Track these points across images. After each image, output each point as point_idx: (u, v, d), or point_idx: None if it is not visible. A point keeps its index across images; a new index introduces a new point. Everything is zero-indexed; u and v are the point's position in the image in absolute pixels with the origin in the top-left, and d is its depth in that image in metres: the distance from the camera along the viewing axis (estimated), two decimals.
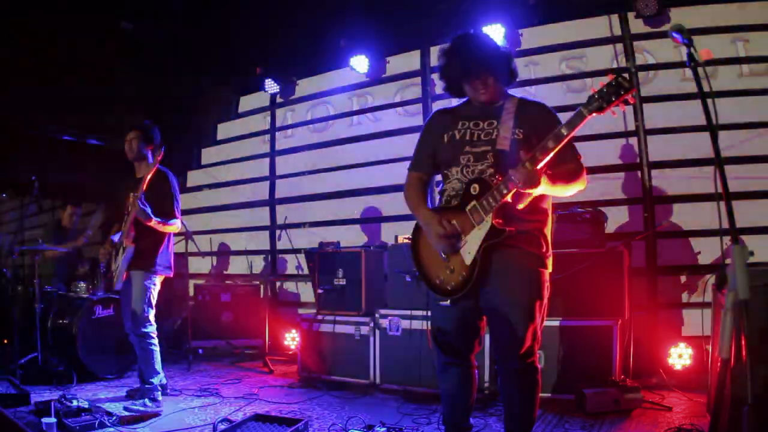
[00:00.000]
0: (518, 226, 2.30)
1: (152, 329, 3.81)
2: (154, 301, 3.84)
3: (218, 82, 7.26)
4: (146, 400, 3.65)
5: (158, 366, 3.81)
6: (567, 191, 2.38)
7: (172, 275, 3.96)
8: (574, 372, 3.62)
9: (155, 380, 3.76)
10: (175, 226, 3.84)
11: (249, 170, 6.91)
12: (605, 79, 2.05)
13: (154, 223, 3.66)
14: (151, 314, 3.82)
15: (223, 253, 7.01)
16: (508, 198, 2.23)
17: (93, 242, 6.22)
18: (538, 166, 2.15)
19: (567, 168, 2.34)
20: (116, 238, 3.81)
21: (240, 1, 5.69)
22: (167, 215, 3.78)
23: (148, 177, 3.62)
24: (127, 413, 3.50)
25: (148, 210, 3.61)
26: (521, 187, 2.16)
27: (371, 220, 5.82)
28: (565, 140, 2.14)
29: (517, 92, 2.56)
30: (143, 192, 3.60)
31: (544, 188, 2.20)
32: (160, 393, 3.76)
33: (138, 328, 3.75)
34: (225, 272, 6.94)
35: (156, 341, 3.84)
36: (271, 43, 6.17)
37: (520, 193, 2.22)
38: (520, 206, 2.27)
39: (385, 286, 4.45)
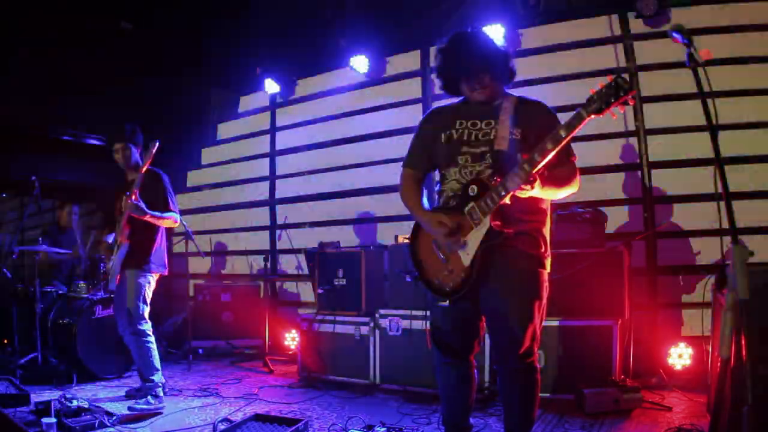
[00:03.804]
0: (517, 227, 2.30)
1: (148, 327, 3.82)
2: (149, 299, 3.85)
3: (218, 82, 7.26)
4: (149, 397, 3.66)
5: (156, 363, 3.82)
6: (560, 193, 2.37)
7: (166, 273, 3.97)
8: (573, 372, 3.62)
9: (156, 377, 3.77)
10: (171, 219, 3.83)
11: (249, 170, 6.91)
12: (604, 80, 2.03)
13: (149, 217, 3.66)
14: (146, 312, 3.83)
15: (223, 253, 7.01)
16: (507, 200, 2.22)
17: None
18: (536, 168, 2.13)
19: (562, 170, 2.33)
20: (110, 239, 3.82)
21: (240, 1, 5.70)
22: (162, 210, 3.78)
23: (139, 182, 3.62)
24: (130, 413, 3.52)
25: (142, 205, 3.61)
26: (518, 190, 2.16)
27: (371, 220, 5.81)
28: (564, 142, 2.12)
29: (515, 92, 2.55)
30: (137, 193, 3.60)
31: (539, 190, 2.20)
32: (161, 389, 3.77)
33: (133, 326, 3.76)
34: (225, 272, 6.94)
35: (152, 338, 3.84)
36: (271, 43, 6.18)
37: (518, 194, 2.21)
38: (523, 195, 2.24)
39: (385, 286, 4.44)
